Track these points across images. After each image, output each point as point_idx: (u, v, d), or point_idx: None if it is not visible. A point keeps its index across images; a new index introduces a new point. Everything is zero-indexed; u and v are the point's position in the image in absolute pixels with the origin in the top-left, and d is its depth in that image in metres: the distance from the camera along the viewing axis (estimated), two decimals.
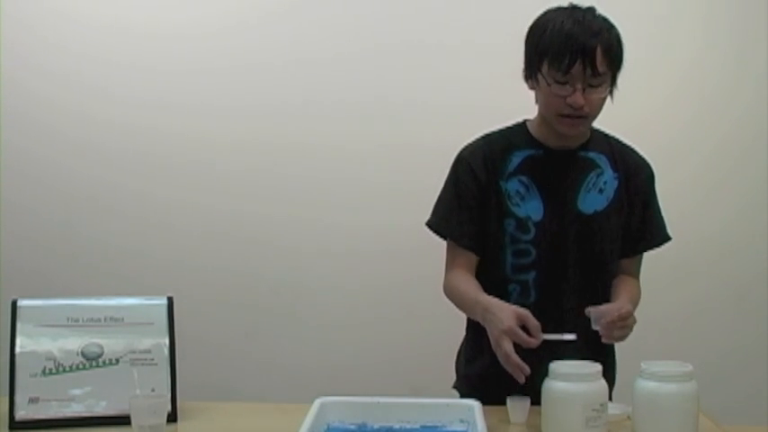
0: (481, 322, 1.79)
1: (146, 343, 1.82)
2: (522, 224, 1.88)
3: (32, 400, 1.74)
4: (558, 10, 1.83)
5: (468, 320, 2.01)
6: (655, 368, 1.62)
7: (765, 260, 2.88)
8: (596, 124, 1.94)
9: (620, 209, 1.92)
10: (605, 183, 1.91)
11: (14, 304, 1.80)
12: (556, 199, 1.88)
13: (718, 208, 2.86)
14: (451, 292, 1.95)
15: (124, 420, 1.64)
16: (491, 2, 2.84)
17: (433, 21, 2.86)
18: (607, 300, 1.89)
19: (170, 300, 1.87)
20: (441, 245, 2.02)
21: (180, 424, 1.77)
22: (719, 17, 2.86)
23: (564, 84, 1.78)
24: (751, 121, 2.87)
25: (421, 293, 2.86)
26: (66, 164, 2.91)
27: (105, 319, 1.82)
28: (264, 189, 2.91)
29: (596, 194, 1.90)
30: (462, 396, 2.01)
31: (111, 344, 1.80)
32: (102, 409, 1.75)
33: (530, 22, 1.88)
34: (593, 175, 1.90)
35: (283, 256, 2.92)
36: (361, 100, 2.88)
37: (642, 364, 1.64)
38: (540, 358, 1.68)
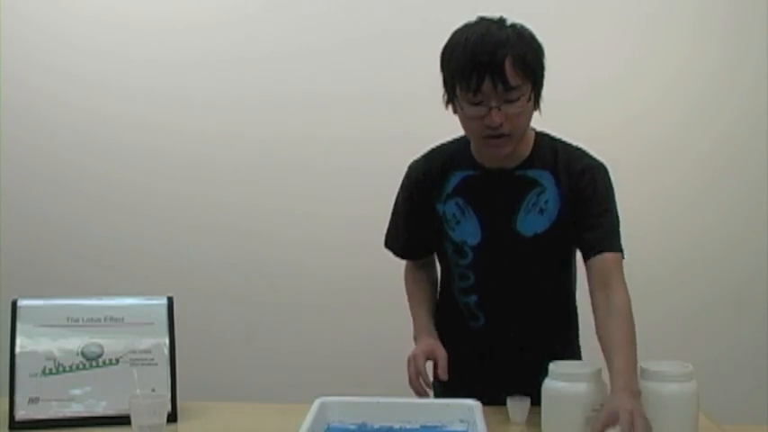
0: None
1: (146, 343, 1.82)
2: (458, 248, 1.83)
3: (32, 400, 1.74)
4: (467, 26, 1.71)
5: None
6: (655, 368, 1.62)
7: (765, 260, 2.87)
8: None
9: (567, 226, 1.78)
10: (546, 202, 1.78)
11: (14, 304, 1.81)
12: (494, 221, 1.79)
13: (716, 208, 2.85)
14: (406, 287, 2.03)
15: (124, 420, 1.64)
16: None
17: (436, 9, 2.81)
18: (555, 322, 1.88)
19: (170, 300, 1.87)
20: None
21: (180, 424, 1.77)
22: (712, 13, 2.85)
23: (478, 104, 1.66)
24: (749, 119, 2.85)
25: None
26: (66, 159, 2.91)
27: (105, 319, 1.83)
28: (265, 183, 2.91)
29: (536, 215, 1.78)
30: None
31: (111, 344, 1.80)
32: (102, 409, 1.76)
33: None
34: (532, 194, 1.78)
35: (284, 254, 2.92)
36: (360, 91, 2.86)
37: (642, 364, 1.64)
38: (525, 359, 1.79)
